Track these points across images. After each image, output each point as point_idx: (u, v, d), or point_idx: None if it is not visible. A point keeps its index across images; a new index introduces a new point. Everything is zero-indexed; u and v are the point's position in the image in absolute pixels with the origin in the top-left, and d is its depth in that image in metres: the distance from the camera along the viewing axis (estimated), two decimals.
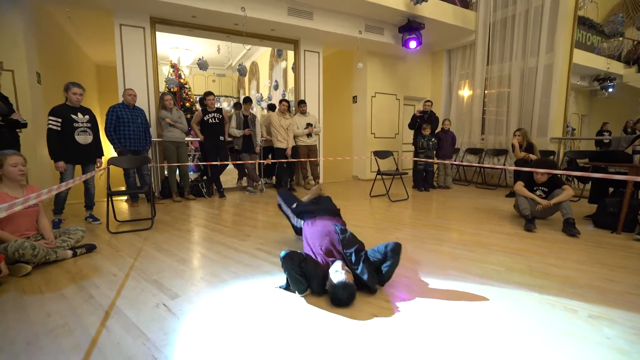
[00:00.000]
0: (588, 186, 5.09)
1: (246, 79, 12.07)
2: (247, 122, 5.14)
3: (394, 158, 5.19)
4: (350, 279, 1.70)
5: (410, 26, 5.75)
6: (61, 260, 2.32)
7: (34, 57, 4.31)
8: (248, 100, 5.24)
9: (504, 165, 5.93)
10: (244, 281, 1.98)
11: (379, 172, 4.85)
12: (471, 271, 2.15)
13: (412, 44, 5.87)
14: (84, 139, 3.34)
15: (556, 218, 3.48)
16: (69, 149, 3.26)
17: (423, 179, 5.69)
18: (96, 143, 3.50)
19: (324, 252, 1.92)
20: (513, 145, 4.94)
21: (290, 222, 2.54)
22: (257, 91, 11.27)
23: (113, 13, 4.54)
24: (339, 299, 1.63)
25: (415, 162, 5.73)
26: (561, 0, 5.22)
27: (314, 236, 2.05)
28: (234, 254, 2.48)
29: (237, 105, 5.62)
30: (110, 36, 4.70)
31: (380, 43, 6.25)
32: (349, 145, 7.59)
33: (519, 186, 3.45)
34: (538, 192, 3.40)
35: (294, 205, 2.50)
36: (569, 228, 3.00)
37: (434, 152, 5.74)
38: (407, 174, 5.42)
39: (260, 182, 5.56)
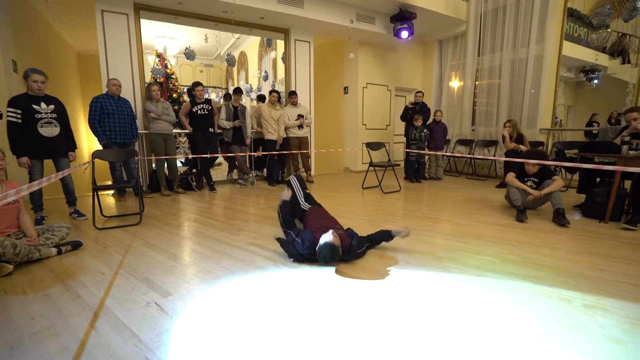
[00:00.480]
0: (576, 176, 5.19)
1: (234, 69, 11.81)
2: (237, 113, 5.02)
3: (386, 149, 5.18)
4: (337, 242, 1.98)
5: (402, 15, 5.67)
6: (45, 258, 2.23)
7: (9, 44, 4.08)
8: (238, 91, 5.11)
9: (494, 156, 5.98)
10: (238, 277, 1.94)
11: (371, 164, 4.83)
12: (467, 263, 2.15)
13: (404, 34, 5.80)
14: (49, 131, 3.10)
15: (546, 208, 3.53)
16: (32, 142, 3.00)
17: (415, 170, 5.71)
18: (66, 135, 3.26)
19: (324, 227, 2.25)
20: (503, 137, 4.98)
21: (298, 199, 2.75)
22: (247, 82, 11.06)
23: None
24: (323, 255, 1.96)
25: (407, 154, 5.73)
26: None
27: (319, 217, 2.50)
28: (226, 249, 2.43)
29: (226, 97, 5.49)
30: (92, 23, 4.48)
31: (371, 33, 6.16)
32: (340, 136, 7.54)
33: (511, 177, 3.47)
34: (529, 183, 3.44)
35: (307, 190, 2.88)
36: (560, 218, 3.04)
37: (426, 143, 5.74)
38: (399, 165, 5.42)
39: (251, 175, 5.47)
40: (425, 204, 4.07)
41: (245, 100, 9.88)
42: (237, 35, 8.79)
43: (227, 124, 4.96)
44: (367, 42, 6.76)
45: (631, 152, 3.08)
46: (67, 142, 3.30)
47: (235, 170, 6.00)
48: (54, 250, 2.29)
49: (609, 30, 5.94)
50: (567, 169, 4.83)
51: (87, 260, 2.24)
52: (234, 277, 1.94)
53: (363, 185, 5.08)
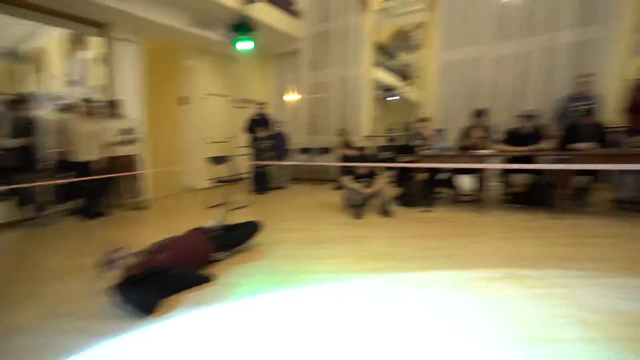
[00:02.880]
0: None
1: (29, 69, 8.79)
2: (25, 127, 3.68)
3: (231, 163, 4.99)
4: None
5: (242, 27, 5.62)
6: None
7: None
8: (23, 99, 3.75)
9: (329, 162, 6.76)
10: None
11: (216, 180, 4.52)
12: (327, 269, 2.27)
13: (244, 45, 5.75)
14: None
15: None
16: None
17: (262, 182, 5.75)
18: None
19: None
20: (336, 143, 5.71)
21: None
22: (46, 86, 8.40)
23: None
24: None
25: (253, 166, 5.70)
26: (364, 24, 6.45)
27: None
28: None
29: (9, 105, 3.92)
30: None
31: (211, 41, 5.84)
32: (180, 151, 6.77)
33: (347, 180, 3.96)
34: (362, 183, 4.00)
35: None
36: (386, 210, 3.69)
37: (270, 153, 5.88)
38: (245, 178, 5.26)
39: (48, 212, 4.05)
40: (277, 215, 4.08)
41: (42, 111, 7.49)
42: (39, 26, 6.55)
43: (10, 143, 3.56)
44: (206, 51, 6.38)
45: (426, 152, 4.06)
46: None
47: (25, 205, 4.34)
48: None
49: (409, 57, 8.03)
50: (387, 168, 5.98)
51: None
52: None
53: (208, 205, 4.62)
